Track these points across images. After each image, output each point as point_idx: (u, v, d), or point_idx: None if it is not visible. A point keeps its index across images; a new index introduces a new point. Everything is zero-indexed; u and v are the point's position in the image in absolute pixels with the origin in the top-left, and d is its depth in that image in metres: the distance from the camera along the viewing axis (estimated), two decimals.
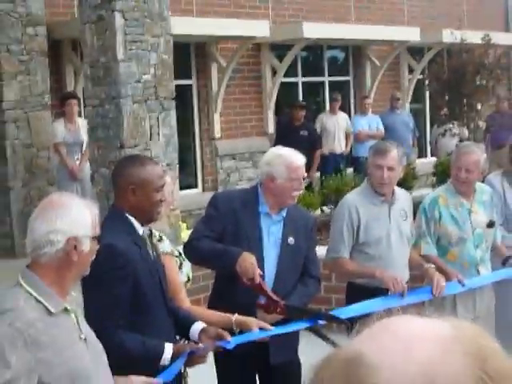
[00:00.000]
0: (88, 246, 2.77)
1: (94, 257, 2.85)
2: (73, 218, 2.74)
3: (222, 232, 4.18)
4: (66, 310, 2.78)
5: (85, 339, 2.83)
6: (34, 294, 2.70)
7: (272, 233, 4.27)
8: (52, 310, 2.71)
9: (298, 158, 4.32)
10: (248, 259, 3.96)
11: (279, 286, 4.19)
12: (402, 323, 0.82)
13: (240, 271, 3.95)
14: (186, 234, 4.85)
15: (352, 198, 4.93)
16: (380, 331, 0.81)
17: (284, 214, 4.31)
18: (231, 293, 4.12)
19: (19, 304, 2.66)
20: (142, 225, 3.57)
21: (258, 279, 3.96)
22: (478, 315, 4.98)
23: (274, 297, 4.01)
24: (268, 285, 4.10)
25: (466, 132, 13.74)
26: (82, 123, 9.82)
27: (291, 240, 4.28)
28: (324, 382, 0.78)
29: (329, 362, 0.80)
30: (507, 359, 0.78)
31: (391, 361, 0.75)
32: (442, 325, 0.80)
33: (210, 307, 4.27)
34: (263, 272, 4.09)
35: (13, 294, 2.72)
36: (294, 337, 4.31)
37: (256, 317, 3.93)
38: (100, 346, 2.92)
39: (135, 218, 3.53)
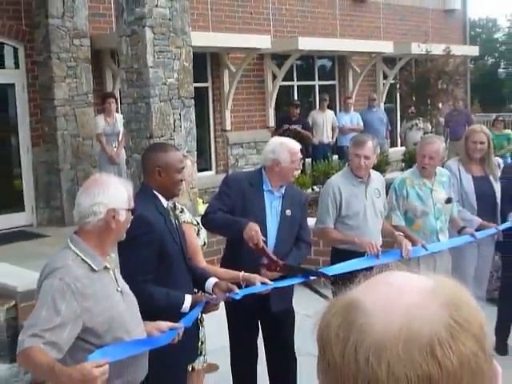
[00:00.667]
0: (124, 216, 2.79)
1: (129, 225, 2.87)
2: (112, 194, 2.76)
3: (233, 206, 4.19)
4: (106, 267, 2.80)
5: (121, 291, 2.85)
6: (80, 254, 2.72)
7: (273, 206, 4.29)
8: (95, 268, 2.73)
9: (295, 145, 4.37)
10: (253, 228, 3.96)
11: (279, 249, 4.21)
12: (393, 277, 0.83)
13: (246, 238, 3.96)
14: (202, 208, 4.85)
15: (336, 179, 4.93)
16: (375, 283, 0.82)
17: (283, 191, 4.33)
18: (239, 255, 4.14)
19: (68, 263, 2.68)
20: (167, 199, 3.58)
21: (261, 244, 3.97)
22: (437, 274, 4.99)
23: (274, 258, 4.03)
24: (269, 248, 4.12)
25: (429, 126, 13.72)
26: (118, 118, 9.83)
27: (288, 212, 4.30)
28: (327, 320, 0.79)
29: (332, 306, 0.81)
30: (476, 310, 0.79)
31: (381, 305, 0.76)
32: (426, 279, 0.81)
33: (222, 266, 4.29)
34: (266, 238, 4.10)
35: (63, 255, 2.74)
36: (289, 289, 4.33)
37: (260, 274, 3.95)
38: (133, 297, 2.94)
39: (161, 194, 3.54)
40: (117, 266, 3.01)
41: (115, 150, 9.90)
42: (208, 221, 4.21)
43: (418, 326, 0.73)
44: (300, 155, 4.40)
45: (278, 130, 12.12)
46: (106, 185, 2.79)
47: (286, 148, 4.28)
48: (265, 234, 4.11)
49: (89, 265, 2.72)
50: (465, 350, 0.74)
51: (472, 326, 0.76)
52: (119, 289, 2.85)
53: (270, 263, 4.03)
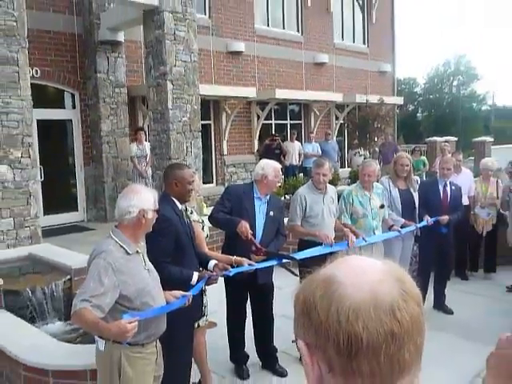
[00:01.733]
0: (151, 215, 2.78)
1: (154, 221, 2.85)
2: (142, 198, 2.74)
3: (231, 208, 4.16)
4: (137, 252, 2.78)
5: (148, 269, 2.83)
6: (119, 242, 2.70)
7: (261, 209, 4.27)
8: (129, 252, 2.71)
9: (278, 165, 4.37)
10: (244, 225, 3.96)
11: (264, 239, 4.19)
12: (355, 259, 0.83)
13: (239, 232, 3.96)
14: (205, 210, 4.82)
15: (302, 190, 4.92)
16: (343, 262, 0.82)
17: (268, 198, 4.31)
18: (234, 244, 4.11)
19: (110, 248, 2.66)
20: (181, 203, 3.56)
21: (249, 236, 3.96)
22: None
23: (259, 246, 4.03)
24: (257, 239, 4.12)
25: (367, 153, 13.81)
26: (147, 145, 9.85)
27: (271, 213, 4.28)
28: (311, 290, 0.79)
29: (313, 280, 0.81)
30: (414, 284, 0.81)
31: (352, 280, 0.76)
32: (377, 261, 0.82)
33: (222, 252, 4.25)
34: (255, 232, 4.10)
35: (106, 242, 2.72)
36: (270, 268, 4.31)
37: (249, 258, 3.94)
38: (156, 274, 2.92)
39: (177, 199, 3.52)
40: (145, 251, 2.99)
41: (144, 167, 9.89)
42: (213, 219, 4.19)
43: (382, 296, 0.75)
44: (281, 172, 4.41)
45: (264, 144, 12.51)
46: (138, 192, 2.77)
47: (272, 167, 4.27)
48: (254, 228, 4.10)
49: (125, 249, 2.69)
50: (413, 312, 0.76)
51: (415, 295, 0.78)
52: (146, 267, 2.82)
53: (256, 250, 4.02)
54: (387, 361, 0.74)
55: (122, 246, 2.69)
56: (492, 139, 17.20)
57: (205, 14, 12.44)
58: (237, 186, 4.71)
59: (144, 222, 2.74)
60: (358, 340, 0.73)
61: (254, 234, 4.05)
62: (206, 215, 4.42)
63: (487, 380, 1.20)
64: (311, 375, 0.78)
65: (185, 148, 8.81)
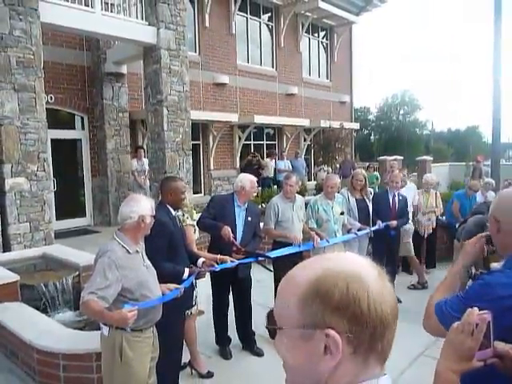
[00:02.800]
0: (149, 220, 2.75)
1: (151, 225, 2.83)
2: (141, 206, 2.72)
3: (215, 214, 4.15)
4: (137, 251, 2.75)
5: (146, 266, 2.80)
6: (121, 242, 2.67)
7: (241, 215, 4.25)
8: (130, 251, 2.68)
9: (253, 178, 4.36)
10: (226, 229, 3.95)
11: (243, 240, 4.18)
12: (351, 255, 0.83)
13: (223, 235, 3.95)
14: (195, 216, 4.80)
15: (275, 199, 4.93)
16: (330, 258, 0.81)
17: (246, 206, 4.31)
18: (219, 245, 4.08)
19: (113, 248, 2.63)
20: (174, 210, 3.54)
21: (231, 239, 3.95)
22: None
23: (239, 246, 4.02)
24: (238, 240, 4.10)
25: (330, 169, 13.93)
26: (145, 161, 9.76)
27: (249, 219, 4.27)
28: (333, 280, 0.77)
29: (336, 276, 0.78)
30: None
31: (371, 277, 0.77)
32: (366, 260, 0.82)
33: (208, 252, 4.23)
34: (235, 235, 4.09)
35: (110, 243, 2.69)
36: (249, 265, 4.29)
37: (232, 256, 3.93)
38: (153, 269, 2.89)
39: (171, 206, 3.50)
40: (143, 250, 2.96)
41: (143, 180, 9.80)
42: (201, 224, 4.17)
43: (387, 289, 0.78)
44: (256, 184, 4.40)
45: (246, 159, 12.51)
46: (138, 200, 2.75)
47: (248, 180, 4.27)
48: (235, 231, 4.09)
49: (126, 249, 2.66)
50: (390, 299, 0.78)
51: (391, 289, 0.81)
52: (145, 264, 2.79)
53: (237, 249, 4.01)
54: (390, 339, 0.77)
55: (123, 247, 2.66)
56: (431, 158, 17.51)
57: (195, 52, 12.47)
58: (220, 195, 4.70)
59: (143, 226, 2.72)
60: (387, 324, 0.75)
61: (234, 237, 4.04)
62: (195, 220, 4.40)
63: (440, 361, 1.20)
64: (332, 360, 0.75)
65: (178, 164, 8.78)
